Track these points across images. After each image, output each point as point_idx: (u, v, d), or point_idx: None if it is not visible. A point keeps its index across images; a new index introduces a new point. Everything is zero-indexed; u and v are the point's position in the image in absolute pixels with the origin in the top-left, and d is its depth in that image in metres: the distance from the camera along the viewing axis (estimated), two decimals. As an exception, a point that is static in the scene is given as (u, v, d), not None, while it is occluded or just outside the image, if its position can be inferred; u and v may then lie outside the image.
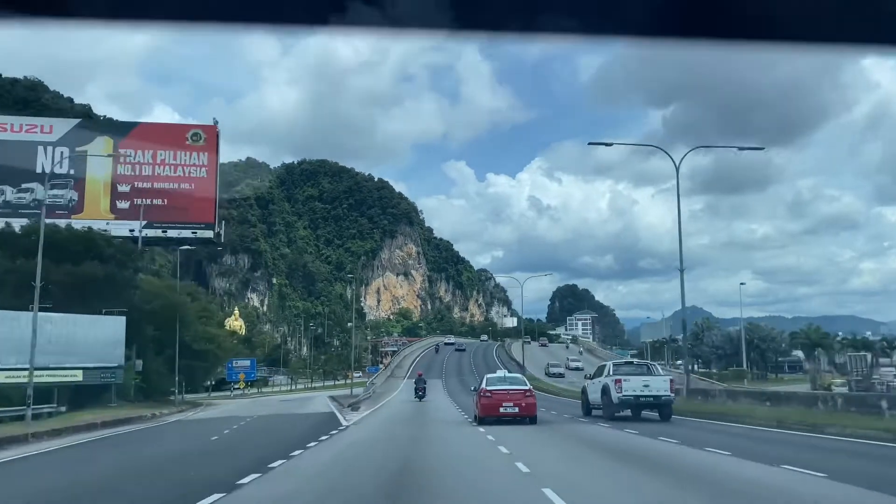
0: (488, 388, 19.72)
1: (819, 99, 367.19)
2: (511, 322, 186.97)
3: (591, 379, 23.16)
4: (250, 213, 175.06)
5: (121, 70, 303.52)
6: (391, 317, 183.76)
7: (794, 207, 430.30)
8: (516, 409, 18.95)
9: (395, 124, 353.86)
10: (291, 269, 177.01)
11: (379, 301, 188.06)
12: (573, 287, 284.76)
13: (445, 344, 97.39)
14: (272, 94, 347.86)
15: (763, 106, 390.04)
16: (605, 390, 20.85)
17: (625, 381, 20.17)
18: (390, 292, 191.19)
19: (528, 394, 19.57)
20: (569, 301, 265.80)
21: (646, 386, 20.01)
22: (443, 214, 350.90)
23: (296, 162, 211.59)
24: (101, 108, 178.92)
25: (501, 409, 18.94)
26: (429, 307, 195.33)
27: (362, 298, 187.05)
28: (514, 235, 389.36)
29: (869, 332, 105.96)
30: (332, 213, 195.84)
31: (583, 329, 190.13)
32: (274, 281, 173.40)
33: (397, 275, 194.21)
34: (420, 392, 34.60)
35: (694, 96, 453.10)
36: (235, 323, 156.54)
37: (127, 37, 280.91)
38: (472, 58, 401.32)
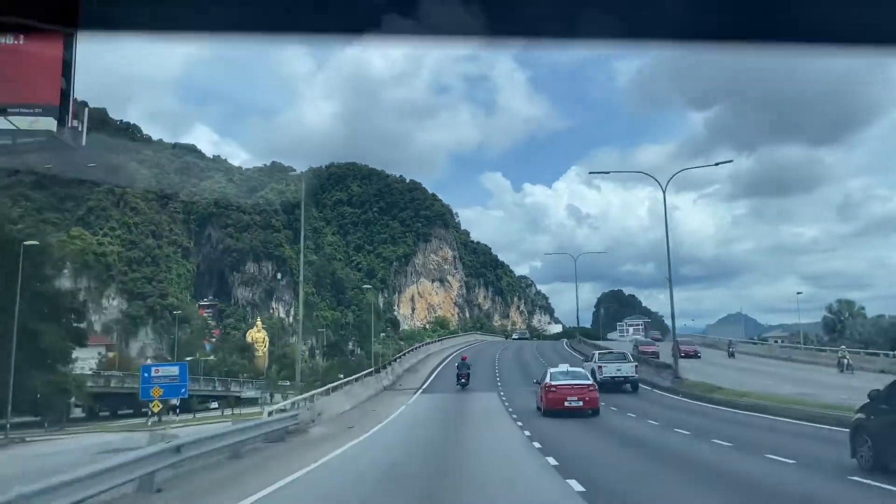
0: (553, 382, 20.99)
1: (871, 95, 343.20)
2: (556, 329, 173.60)
3: (584, 363, 32.15)
4: (275, 219, 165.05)
5: (159, 90, 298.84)
6: (427, 326, 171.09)
7: (843, 209, 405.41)
8: (580, 403, 20.12)
9: (430, 136, 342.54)
10: (319, 276, 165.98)
11: (413, 309, 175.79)
12: (618, 293, 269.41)
13: (514, 338, 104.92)
14: (307, 108, 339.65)
15: (812, 104, 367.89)
16: (592, 372, 27.52)
17: (604, 366, 29.63)
18: (425, 300, 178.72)
19: (591, 388, 20.79)
20: (614, 308, 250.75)
21: (618, 369, 29.58)
22: (481, 226, 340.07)
23: (324, 166, 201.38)
24: (144, 128, 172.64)
25: (566, 403, 20.08)
26: (467, 315, 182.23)
27: (395, 307, 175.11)
28: (553, 245, 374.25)
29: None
30: (361, 218, 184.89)
31: (634, 334, 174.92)
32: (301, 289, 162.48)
33: (432, 281, 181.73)
34: (462, 379, 31.93)
35: (737, 97, 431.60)
36: (258, 334, 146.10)
37: (163, 57, 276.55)
38: (507, 66, 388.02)
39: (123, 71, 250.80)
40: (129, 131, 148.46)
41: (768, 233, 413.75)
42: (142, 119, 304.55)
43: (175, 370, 36.95)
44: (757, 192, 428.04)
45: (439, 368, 44.55)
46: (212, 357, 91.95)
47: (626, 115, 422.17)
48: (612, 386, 28.28)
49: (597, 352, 33.37)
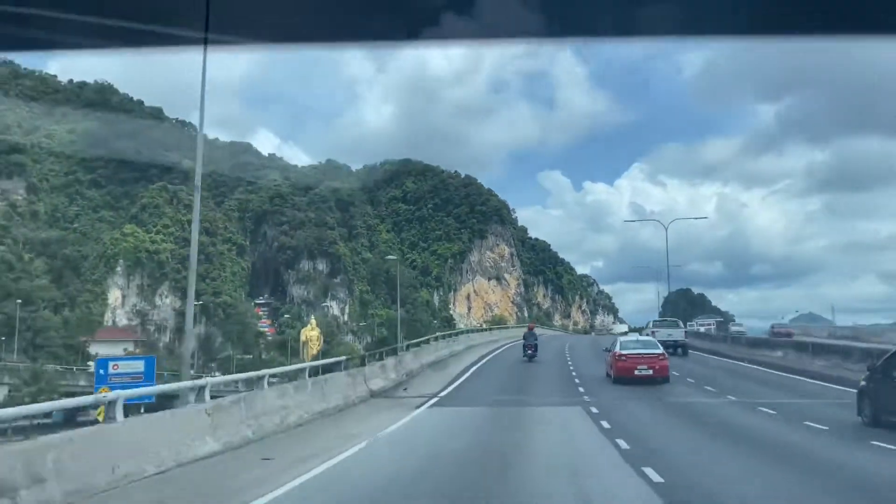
0: (623, 351, 20.89)
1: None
2: (621, 328, 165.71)
3: (642, 330, 38.83)
4: (329, 216, 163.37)
5: (223, 96, 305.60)
6: (483, 325, 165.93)
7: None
8: (650, 372, 20.02)
9: (489, 134, 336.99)
10: (373, 274, 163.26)
11: (469, 308, 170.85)
12: (687, 291, 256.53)
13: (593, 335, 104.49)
14: (364, 109, 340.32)
15: (891, 93, 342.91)
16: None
17: (657, 331, 32.19)
18: (482, 298, 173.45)
19: (661, 357, 20.70)
20: (682, 306, 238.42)
21: (669, 334, 31.99)
22: (540, 226, 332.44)
23: (378, 163, 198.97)
24: (215, 135, 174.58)
25: (636, 372, 20.01)
26: (525, 314, 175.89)
27: (451, 305, 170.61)
28: (615, 244, 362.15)
29: None
30: (416, 215, 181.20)
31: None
32: (355, 287, 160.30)
33: (489, 279, 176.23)
34: (530, 350, 29.91)
35: (811, 87, 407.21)
36: (311, 332, 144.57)
37: (226, 65, 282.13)
38: (567, 62, 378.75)
39: (191, 82, 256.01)
40: (185, 129, 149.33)
41: (843, 229, 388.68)
42: (206, 126, 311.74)
43: (139, 365, 27.23)
44: (831, 187, 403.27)
45: (481, 364, 30.77)
46: (249, 356, 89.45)
47: (691, 109, 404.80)
48: (664, 348, 29.72)
49: (651, 320, 38.82)
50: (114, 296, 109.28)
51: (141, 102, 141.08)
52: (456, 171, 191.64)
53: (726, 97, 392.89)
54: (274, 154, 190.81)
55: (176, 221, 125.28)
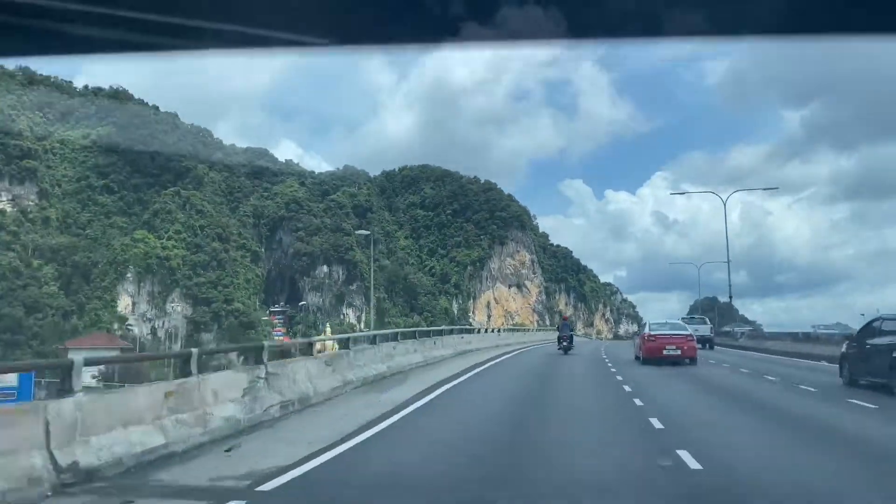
0: (652, 332, 21.72)
1: None
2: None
3: None
4: (346, 222, 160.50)
5: (246, 106, 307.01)
6: (497, 328, 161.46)
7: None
8: (678, 352, 20.67)
9: (510, 143, 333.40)
10: (391, 281, 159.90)
11: (489, 316, 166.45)
12: (713, 300, 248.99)
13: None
14: (388, 118, 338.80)
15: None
16: None
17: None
18: (502, 306, 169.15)
19: (689, 338, 21.33)
20: (710, 315, 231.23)
21: (696, 329, 29.81)
22: (561, 235, 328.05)
23: (396, 169, 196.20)
24: (232, 141, 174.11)
25: (665, 352, 20.66)
26: (546, 322, 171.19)
27: (471, 314, 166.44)
28: (638, 253, 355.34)
29: None
30: (434, 221, 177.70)
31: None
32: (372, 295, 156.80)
33: (509, 286, 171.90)
34: (564, 341, 29.46)
35: (837, 92, 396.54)
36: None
37: (250, 75, 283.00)
38: (589, 70, 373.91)
39: (214, 93, 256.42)
40: (200, 135, 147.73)
41: (871, 238, 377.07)
42: (230, 136, 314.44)
43: (13, 381, 20.97)
44: (858, 195, 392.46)
45: (466, 376, 18.36)
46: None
47: (715, 117, 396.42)
48: None
49: (680, 317, 38.39)
50: (123, 303, 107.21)
51: (156, 108, 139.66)
52: (475, 177, 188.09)
53: (751, 104, 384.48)
54: (291, 160, 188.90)
55: (188, 227, 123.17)
